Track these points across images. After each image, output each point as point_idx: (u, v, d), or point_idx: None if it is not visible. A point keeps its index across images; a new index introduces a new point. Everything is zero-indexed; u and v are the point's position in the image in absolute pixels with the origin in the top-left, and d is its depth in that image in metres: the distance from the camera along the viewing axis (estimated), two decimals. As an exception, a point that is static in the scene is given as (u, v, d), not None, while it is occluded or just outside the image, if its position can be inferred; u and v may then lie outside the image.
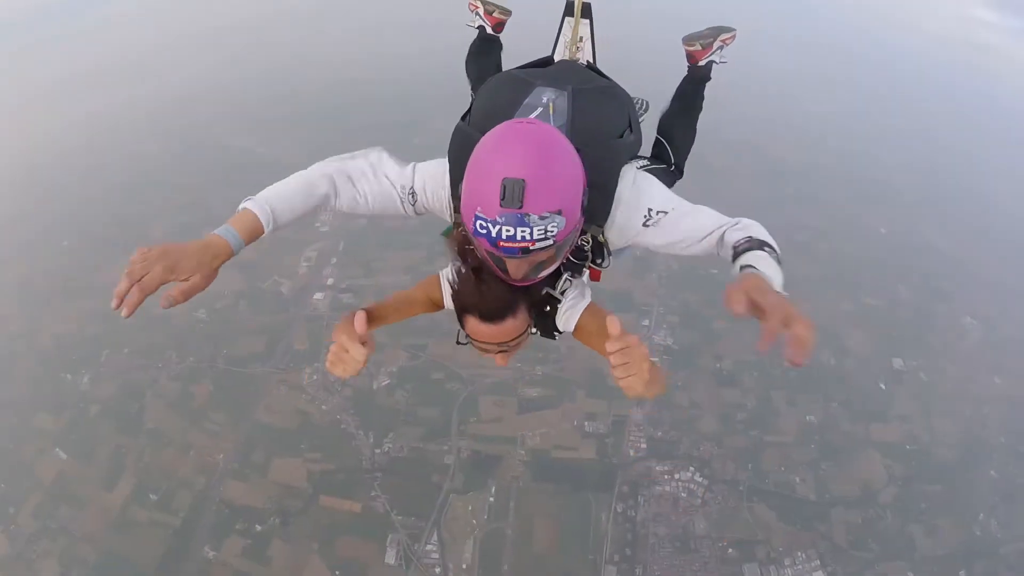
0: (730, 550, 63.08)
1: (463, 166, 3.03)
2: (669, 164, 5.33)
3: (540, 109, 3.56)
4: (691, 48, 5.76)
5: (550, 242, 2.92)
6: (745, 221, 3.49)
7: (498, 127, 2.87)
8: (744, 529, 64.34)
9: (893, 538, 65.95)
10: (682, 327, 75.71)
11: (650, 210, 3.53)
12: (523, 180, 2.63)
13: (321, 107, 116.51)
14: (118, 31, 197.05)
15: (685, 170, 5.48)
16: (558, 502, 59.70)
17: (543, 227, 2.80)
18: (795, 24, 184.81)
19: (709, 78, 5.92)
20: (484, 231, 2.87)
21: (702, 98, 5.95)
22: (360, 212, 3.71)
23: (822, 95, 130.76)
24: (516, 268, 3.18)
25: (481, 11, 5.91)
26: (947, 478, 72.94)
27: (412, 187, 3.59)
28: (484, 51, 5.95)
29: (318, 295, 67.86)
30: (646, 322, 74.27)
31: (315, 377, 59.29)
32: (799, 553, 64.14)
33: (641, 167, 4.03)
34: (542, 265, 3.31)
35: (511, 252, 2.94)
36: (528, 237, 2.83)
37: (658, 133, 5.55)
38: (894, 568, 62.32)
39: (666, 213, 3.52)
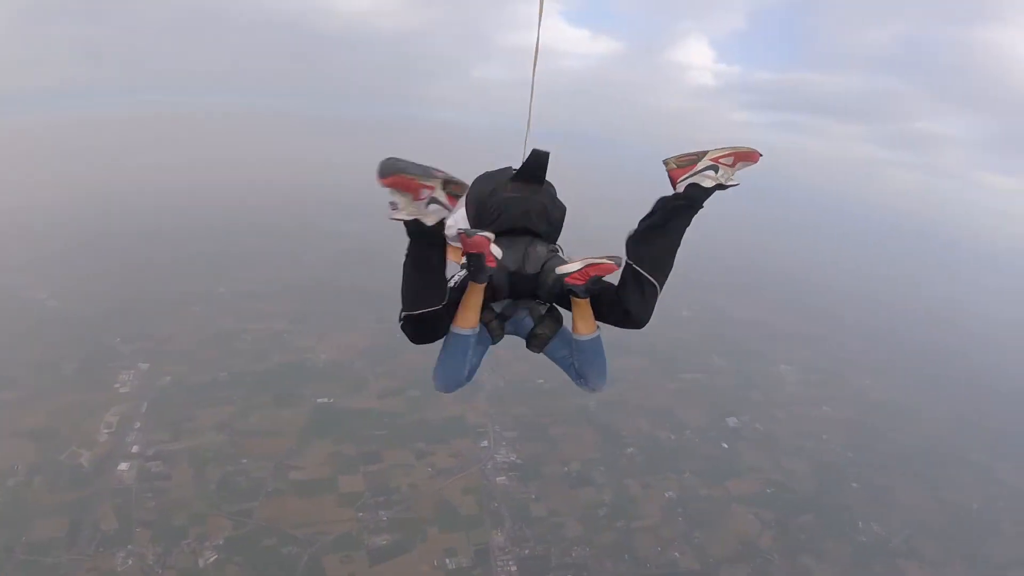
0: None
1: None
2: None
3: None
4: (667, 168, 5.17)
5: None
6: None
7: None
8: None
9: (794, 572, 66.75)
10: (522, 440, 75.08)
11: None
12: None
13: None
14: None
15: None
16: None
17: None
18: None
19: (692, 205, 5.21)
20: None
21: (677, 229, 5.37)
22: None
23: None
24: None
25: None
26: (814, 505, 76.62)
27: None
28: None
29: (123, 465, 61.07)
30: (485, 443, 73.05)
31: (129, 562, 51.90)
32: None
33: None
34: None
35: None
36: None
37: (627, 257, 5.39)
38: None
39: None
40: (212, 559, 54.36)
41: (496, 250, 5.10)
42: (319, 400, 76.47)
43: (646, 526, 69.15)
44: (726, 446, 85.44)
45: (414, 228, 4.45)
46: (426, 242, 4.64)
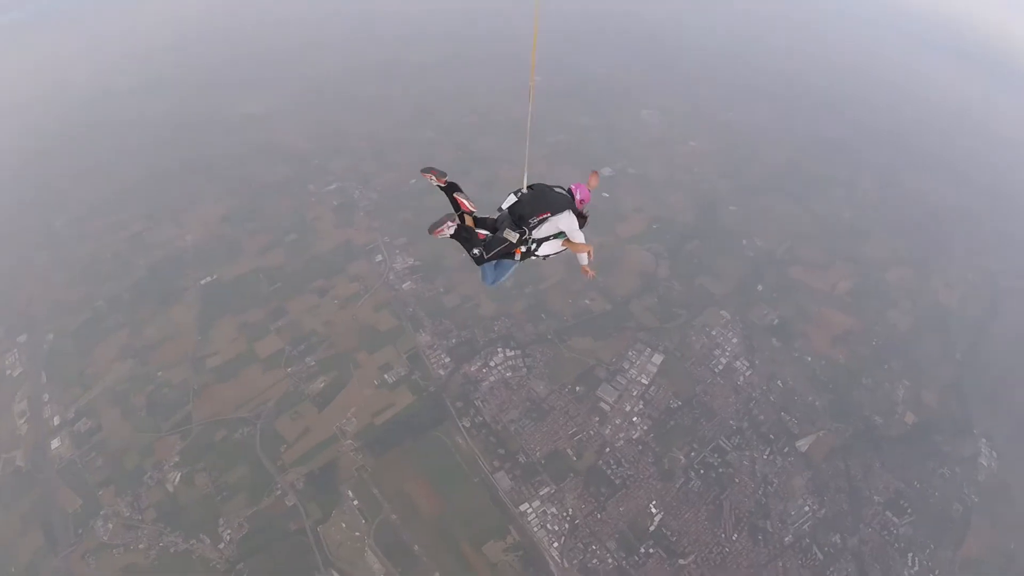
0: (578, 388, 61.11)
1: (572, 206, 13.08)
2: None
3: (556, 190, 12.77)
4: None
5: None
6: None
7: (574, 186, 12.97)
8: (576, 365, 63.43)
9: (695, 293, 70.53)
10: (413, 243, 73.86)
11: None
12: None
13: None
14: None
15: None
16: (413, 460, 56.41)
17: None
18: None
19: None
20: (587, 192, 13.05)
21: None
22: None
23: None
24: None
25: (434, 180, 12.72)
26: (699, 232, 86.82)
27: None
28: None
29: (55, 443, 59.04)
30: (379, 258, 72.56)
31: (110, 526, 52.04)
32: (630, 352, 63.80)
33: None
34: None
35: (588, 194, 13.29)
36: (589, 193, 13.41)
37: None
38: (712, 315, 73.65)
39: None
40: (178, 478, 55.10)
41: (451, 229, 11.81)
42: (203, 282, 70.60)
43: (553, 284, 72.04)
44: (607, 195, 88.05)
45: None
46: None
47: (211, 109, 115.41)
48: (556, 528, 53.21)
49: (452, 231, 11.74)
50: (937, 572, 58.87)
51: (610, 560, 52.47)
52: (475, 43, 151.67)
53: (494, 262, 12.74)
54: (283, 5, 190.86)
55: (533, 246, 12.56)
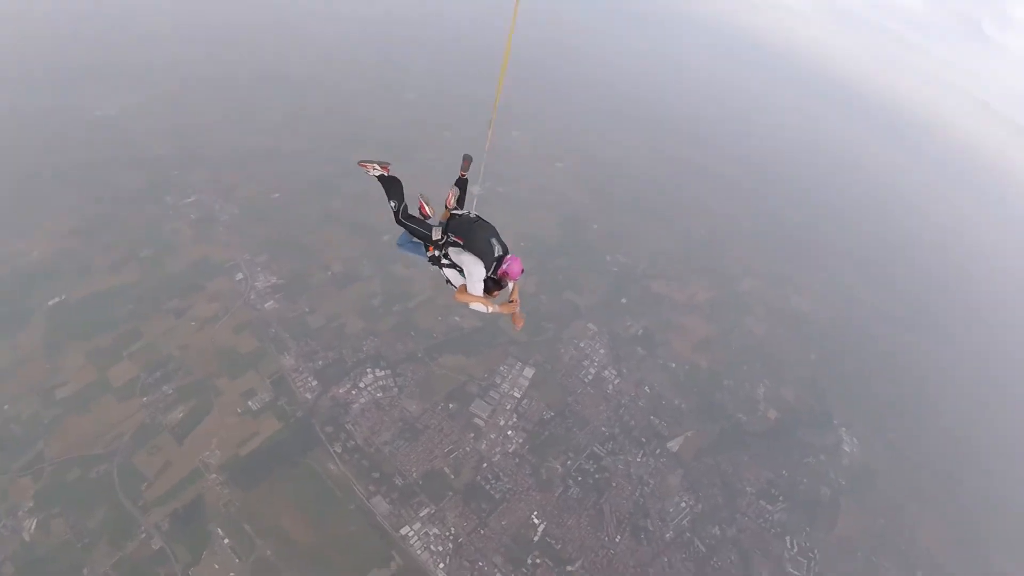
0: (451, 405, 59.22)
1: (490, 262, 12.05)
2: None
3: (498, 246, 12.03)
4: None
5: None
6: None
7: (510, 257, 11.82)
8: (448, 382, 61.95)
9: (563, 307, 74.92)
10: (276, 260, 70.03)
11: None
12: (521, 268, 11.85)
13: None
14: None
15: None
16: (284, 491, 53.86)
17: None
18: None
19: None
20: (517, 270, 11.66)
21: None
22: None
23: None
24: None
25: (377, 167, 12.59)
26: (564, 249, 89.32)
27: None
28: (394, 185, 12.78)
29: None
30: (240, 276, 68.60)
31: None
32: (501, 367, 62.21)
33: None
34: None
35: (519, 272, 11.80)
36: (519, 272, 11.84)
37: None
38: (579, 328, 75.45)
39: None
40: (33, 525, 50.49)
41: (377, 171, 12.57)
42: (51, 303, 63.78)
43: (422, 302, 70.67)
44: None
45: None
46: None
47: (59, 109, 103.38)
48: (440, 548, 52.51)
49: (378, 173, 12.41)
50: (816, 552, 61.75)
51: (498, 574, 52.27)
52: (351, 53, 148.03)
53: (413, 239, 13.10)
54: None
55: (443, 259, 12.53)
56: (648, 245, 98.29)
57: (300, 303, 66.42)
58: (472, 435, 58.89)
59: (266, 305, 65.21)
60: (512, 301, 12.61)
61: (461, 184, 13.32)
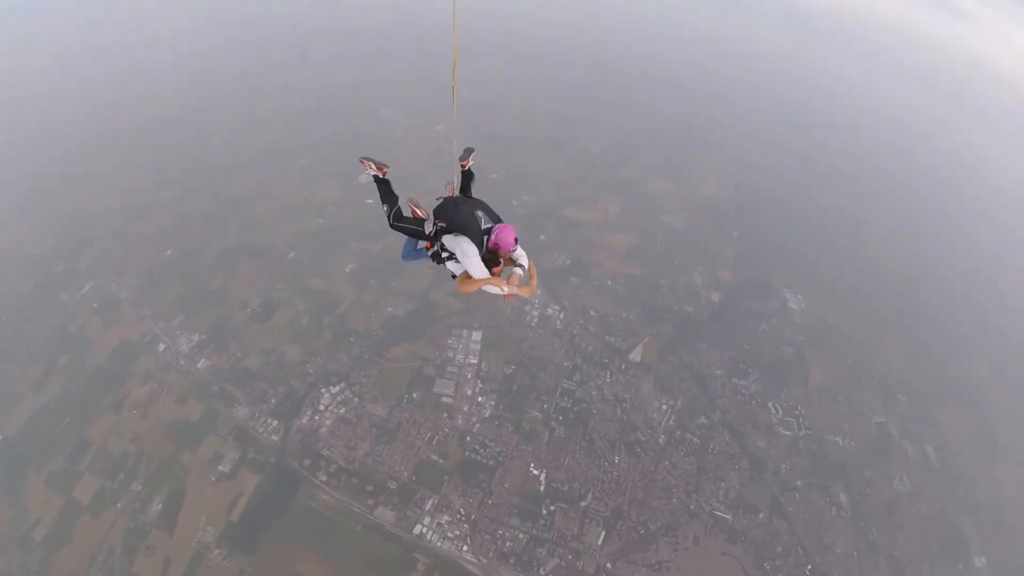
0: (415, 394, 59.02)
1: (477, 236, 11.29)
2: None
3: (485, 218, 11.39)
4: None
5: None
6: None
7: (499, 226, 11.30)
8: (403, 373, 61.95)
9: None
10: (190, 317, 67.47)
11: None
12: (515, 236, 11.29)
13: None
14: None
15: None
16: (289, 539, 53.02)
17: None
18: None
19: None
20: (509, 239, 11.11)
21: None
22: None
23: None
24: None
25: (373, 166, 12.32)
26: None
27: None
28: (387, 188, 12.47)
29: None
30: (162, 346, 65.90)
31: None
32: (449, 340, 63.23)
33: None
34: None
35: (511, 241, 11.21)
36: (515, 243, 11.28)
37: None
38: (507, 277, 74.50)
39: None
40: None
41: (373, 171, 12.28)
42: (-25, 444, 60.03)
43: (349, 306, 70.10)
44: (371, 201, 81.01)
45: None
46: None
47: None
48: (458, 533, 53.34)
49: (374, 173, 12.14)
50: (800, 408, 63.83)
51: (520, 535, 53.21)
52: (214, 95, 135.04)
53: (416, 244, 12.65)
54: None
55: (443, 253, 11.78)
56: (549, 178, 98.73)
57: (231, 350, 64.57)
58: (445, 415, 59.04)
59: (198, 365, 63.11)
60: (529, 282, 11.78)
61: (466, 176, 13.18)
